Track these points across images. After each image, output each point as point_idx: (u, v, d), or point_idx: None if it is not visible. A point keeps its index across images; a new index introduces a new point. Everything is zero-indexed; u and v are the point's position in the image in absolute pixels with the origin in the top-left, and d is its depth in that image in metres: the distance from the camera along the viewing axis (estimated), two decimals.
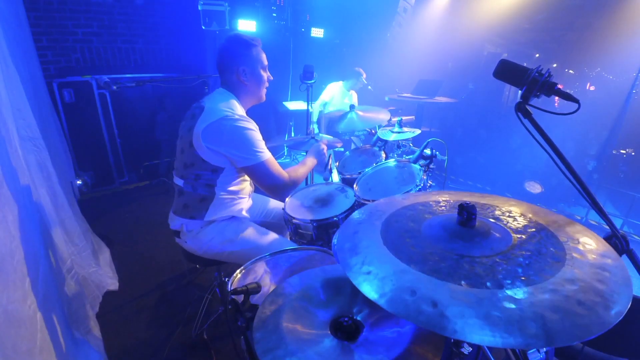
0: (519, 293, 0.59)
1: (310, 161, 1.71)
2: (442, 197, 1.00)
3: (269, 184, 1.48)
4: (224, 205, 1.52)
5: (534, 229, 0.78)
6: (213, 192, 1.48)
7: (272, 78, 1.63)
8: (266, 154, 1.45)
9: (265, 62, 1.58)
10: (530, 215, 0.85)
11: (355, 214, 0.95)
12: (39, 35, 3.41)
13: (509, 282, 0.61)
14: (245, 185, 1.60)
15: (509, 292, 0.59)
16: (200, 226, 1.51)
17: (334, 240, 0.87)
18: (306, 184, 2.16)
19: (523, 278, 0.62)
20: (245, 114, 1.49)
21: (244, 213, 1.59)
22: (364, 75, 4.16)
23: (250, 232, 1.55)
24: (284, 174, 1.51)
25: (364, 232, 0.84)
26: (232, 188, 1.52)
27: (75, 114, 3.48)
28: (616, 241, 0.75)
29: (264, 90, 1.63)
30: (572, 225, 0.79)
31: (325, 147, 1.80)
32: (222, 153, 1.41)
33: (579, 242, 0.72)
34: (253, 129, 1.44)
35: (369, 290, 0.63)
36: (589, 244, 0.72)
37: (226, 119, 1.38)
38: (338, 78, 4.29)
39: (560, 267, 0.65)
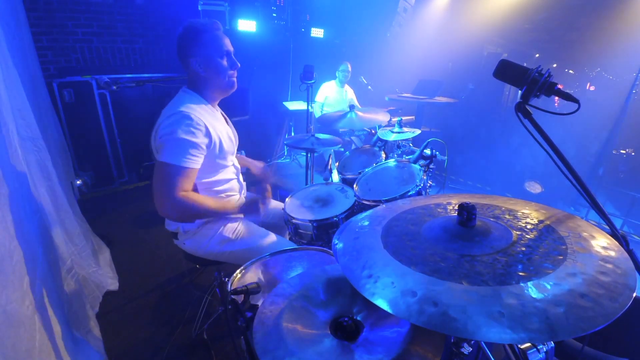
0: (520, 289, 0.59)
1: (232, 205, 1.44)
2: (444, 200, 1.00)
3: (161, 190, 1.27)
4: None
5: (534, 225, 0.78)
6: (196, 192, 1.43)
7: (239, 65, 1.46)
8: (187, 162, 1.28)
9: (227, 48, 1.42)
10: (530, 212, 0.85)
11: (358, 222, 0.95)
12: (39, 35, 3.41)
13: (510, 278, 0.61)
14: (231, 183, 1.55)
15: (510, 289, 0.59)
16: (197, 226, 1.49)
17: (334, 241, 0.87)
18: (306, 184, 2.16)
19: (524, 274, 0.62)
20: (200, 113, 1.35)
21: (234, 215, 1.54)
22: (349, 66, 4.15)
23: (250, 233, 1.54)
24: (182, 188, 1.28)
25: (364, 237, 0.84)
26: (216, 188, 1.48)
27: (75, 114, 3.47)
28: (616, 241, 0.75)
29: (231, 80, 1.46)
30: (572, 220, 0.79)
31: (261, 207, 1.42)
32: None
33: (580, 236, 0.72)
34: (191, 129, 1.28)
35: (370, 293, 0.63)
36: (591, 237, 0.72)
37: (166, 119, 1.30)
38: (334, 77, 4.30)
39: (562, 261, 0.65)
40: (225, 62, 1.42)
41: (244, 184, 1.69)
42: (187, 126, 1.29)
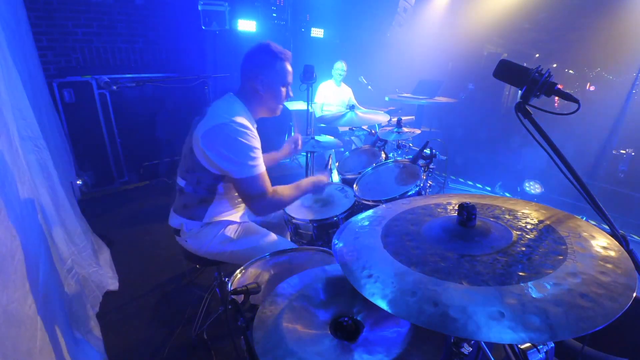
0: (520, 289, 0.59)
1: (305, 187, 1.56)
2: (444, 200, 1.00)
3: (252, 198, 1.39)
4: (223, 209, 1.52)
5: (534, 225, 0.78)
6: (213, 195, 1.47)
7: (292, 95, 1.56)
8: (260, 168, 1.39)
9: (289, 79, 1.51)
10: (530, 212, 0.85)
11: (358, 222, 0.95)
12: (39, 35, 3.41)
13: (510, 278, 0.62)
14: None
15: (510, 289, 0.59)
16: (200, 226, 1.50)
17: (334, 241, 0.87)
18: None
19: (524, 274, 0.62)
20: (249, 123, 1.42)
21: (239, 218, 1.57)
22: (344, 64, 4.15)
23: (250, 233, 1.55)
24: (269, 190, 1.42)
25: (364, 237, 0.84)
26: (234, 194, 1.50)
27: (75, 114, 3.47)
28: (616, 241, 0.75)
29: (280, 107, 1.56)
30: (573, 220, 0.79)
31: (324, 183, 1.63)
32: (215, 161, 1.36)
33: (580, 236, 0.72)
34: (250, 139, 1.37)
35: (371, 293, 0.64)
36: (591, 237, 0.72)
37: (224, 126, 1.34)
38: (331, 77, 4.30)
39: (562, 261, 0.65)
40: (284, 92, 1.50)
41: None
42: (246, 137, 1.36)
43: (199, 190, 1.46)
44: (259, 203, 1.41)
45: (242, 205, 1.59)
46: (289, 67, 1.50)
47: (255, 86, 1.45)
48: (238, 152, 1.34)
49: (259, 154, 1.40)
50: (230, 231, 1.52)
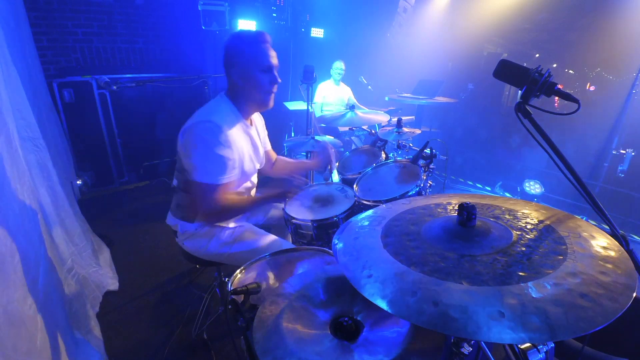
0: (520, 289, 0.59)
1: (262, 201, 1.46)
2: (444, 200, 1.00)
3: (203, 206, 1.31)
4: None
5: (534, 225, 0.78)
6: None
7: (279, 80, 1.41)
8: (222, 179, 1.30)
9: (270, 62, 1.36)
10: (530, 212, 0.85)
11: (358, 222, 0.95)
12: (39, 35, 3.41)
13: (510, 278, 0.61)
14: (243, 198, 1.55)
15: (510, 289, 0.59)
16: (195, 228, 1.49)
17: (334, 241, 0.87)
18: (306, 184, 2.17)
19: (524, 274, 0.62)
20: (231, 124, 1.35)
21: (233, 223, 1.55)
22: (342, 64, 4.16)
23: (249, 235, 1.53)
24: (223, 203, 1.32)
25: (364, 237, 0.84)
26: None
27: (75, 114, 3.48)
28: (616, 241, 0.75)
29: (268, 96, 1.42)
30: (573, 220, 0.79)
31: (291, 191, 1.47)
32: (183, 160, 1.31)
33: (580, 236, 0.72)
34: (220, 144, 1.27)
35: (371, 293, 0.64)
36: (591, 237, 0.72)
37: (196, 125, 1.28)
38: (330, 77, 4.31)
39: (562, 261, 0.65)
40: (265, 77, 1.37)
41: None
42: (219, 140, 1.28)
43: (188, 191, 1.43)
44: (209, 213, 1.34)
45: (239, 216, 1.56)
46: (266, 48, 1.35)
47: (234, 80, 1.36)
48: (202, 153, 1.27)
49: (226, 162, 1.30)
50: (227, 235, 1.51)
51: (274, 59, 1.38)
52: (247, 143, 1.48)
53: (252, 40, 1.34)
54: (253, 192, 1.66)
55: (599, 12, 3.75)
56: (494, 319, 0.54)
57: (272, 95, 1.43)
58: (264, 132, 1.72)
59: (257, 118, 1.67)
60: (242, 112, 1.44)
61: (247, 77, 1.35)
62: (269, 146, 1.81)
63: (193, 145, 1.28)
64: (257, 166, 1.60)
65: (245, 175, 1.49)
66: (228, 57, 1.36)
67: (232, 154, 1.33)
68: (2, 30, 1.58)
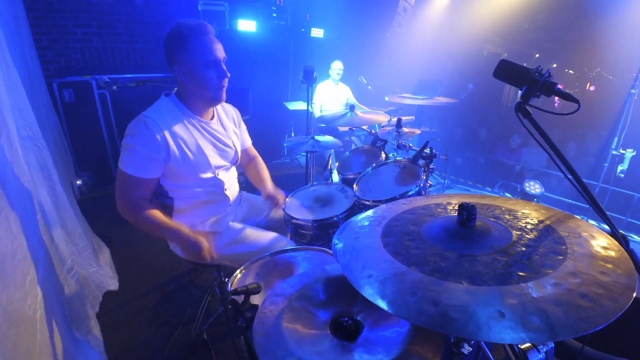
0: (520, 289, 0.59)
1: (169, 235, 1.35)
2: (444, 200, 1.00)
3: (116, 192, 1.34)
4: (193, 217, 1.46)
5: (534, 225, 0.78)
6: (172, 202, 1.42)
7: (228, 75, 1.32)
8: (127, 166, 1.25)
9: (215, 55, 1.27)
10: (530, 212, 0.85)
11: (358, 222, 0.95)
12: (39, 35, 3.41)
13: (510, 278, 0.61)
14: (210, 195, 1.47)
15: (510, 289, 0.59)
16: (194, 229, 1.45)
17: (334, 241, 0.87)
18: (306, 184, 2.17)
19: (524, 274, 0.62)
20: (164, 121, 1.30)
21: (221, 227, 1.51)
22: (341, 63, 4.16)
23: (248, 236, 1.52)
24: (138, 200, 1.31)
25: (364, 237, 0.84)
26: (192, 199, 1.44)
27: (75, 114, 3.47)
28: (616, 241, 0.75)
29: (219, 92, 1.34)
30: (572, 220, 0.79)
31: (202, 246, 1.32)
32: None
33: (580, 236, 0.72)
34: (138, 134, 1.24)
35: (371, 293, 0.64)
36: (591, 237, 0.72)
37: (134, 120, 1.29)
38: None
39: (562, 261, 0.65)
40: (212, 73, 1.29)
41: (231, 197, 1.56)
42: (137, 129, 1.25)
43: (159, 195, 1.41)
44: (120, 201, 1.34)
45: (218, 216, 1.51)
46: (209, 41, 1.25)
47: (180, 78, 1.30)
48: (125, 143, 1.27)
49: (144, 157, 1.25)
50: (227, 236, 1.50)
51: (219, 52, 1.29)
52: (201, 138, 1.39)
53: (193, 33, 1.23)
54: (229, 191, 1.55)
55: (599, 12, 3.75)
56: (494, 319, 0.54)
57: (224, 89, 1.35)
58: (239, 127, 1.64)
59: (227, 111, 1.59)
60: (193, 109, 1.38)
61: (193, 75, 1.28)
62: (248, 143, 1.74)
63: (124, 137, 1.29)
64: (224, 163, 1.50)
65: (198, 169, 1.39)
66: (169, 53, 1.28)
67: (160, 151, 1.27)
68: (2, 30, 1.58)
